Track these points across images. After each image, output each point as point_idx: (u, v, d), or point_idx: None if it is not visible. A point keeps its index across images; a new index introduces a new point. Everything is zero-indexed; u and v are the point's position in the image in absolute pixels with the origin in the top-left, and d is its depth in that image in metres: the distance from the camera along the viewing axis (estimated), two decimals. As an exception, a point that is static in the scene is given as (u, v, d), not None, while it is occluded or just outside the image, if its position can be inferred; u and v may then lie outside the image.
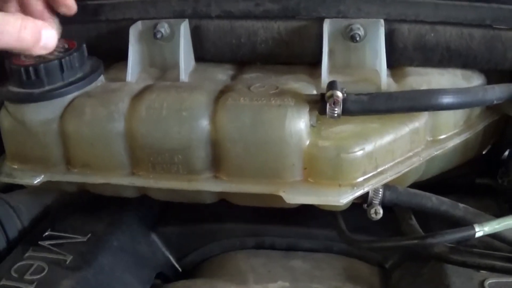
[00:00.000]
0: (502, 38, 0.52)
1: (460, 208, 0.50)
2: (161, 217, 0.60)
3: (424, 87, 0.50)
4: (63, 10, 0.47)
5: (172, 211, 0.59)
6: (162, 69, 0.54)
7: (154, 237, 0.58)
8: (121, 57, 0.53)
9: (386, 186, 0.48)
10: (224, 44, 0.52)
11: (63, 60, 0.47)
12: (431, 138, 0.52)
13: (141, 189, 0.50)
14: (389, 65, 0.52)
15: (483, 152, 0.63)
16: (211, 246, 0.57)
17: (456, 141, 0.53)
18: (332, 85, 0.45)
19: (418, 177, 0.53)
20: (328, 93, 0.44)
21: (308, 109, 0.45)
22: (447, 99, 0.47)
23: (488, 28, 0.52)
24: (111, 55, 0.55)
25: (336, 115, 0.45)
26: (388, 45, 0.51)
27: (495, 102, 0.52)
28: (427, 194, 0.50)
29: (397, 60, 0.53)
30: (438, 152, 0.51)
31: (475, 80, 0.54)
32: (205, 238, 0.58)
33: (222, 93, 0.48)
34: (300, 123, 0.45)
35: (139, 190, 0.50)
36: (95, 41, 0.55)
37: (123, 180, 0.48)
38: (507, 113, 0.58)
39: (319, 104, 0.46)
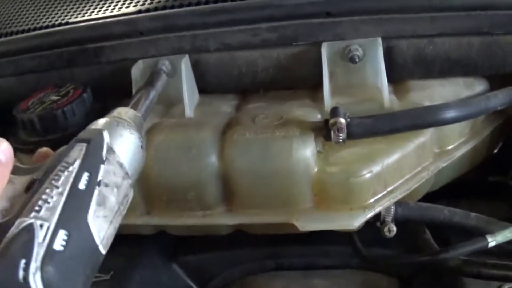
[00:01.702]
0: (501, 43, 0.52)
1: (472, 218, 0.51)
2: (180, 246, 0.62)
3: (426, 101, 0.51)
4: None
5: (191, 239, 0.61)
6: (167, 105, 0.55)
7: (175, 267, 0.60)
8: (126, 95, 0.55)
9: (397, 203, 0.50)
10: (225, 76, 0.54)
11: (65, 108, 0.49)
12: (438, 150, 0.53)
13: (158, 226, 0.52)
14: (391, 80, 0.54)
15: (494, 152, 0.64)
16: (231, 271, 0.59)
17: (464, 150, 0.54)
18: (335, 112, 0.46)
19: (429, 189, 0.54)
20: (331, 121, 0.45)
21: (313, 137, 0.47)
22: (450, 114, 0.48)
23: (486, 35, 0.52)
24: (115, 94, 0.57)
25: (341, 140, 0.46)
26: (388, 62, 0.52)
27: (499, 108, 0.53)
28: (439, 207, 0.52)
29: (398, 75, 0.54)
30: (446, 164, 0.52)
31: (478, 86, 0.55)
32: (225, 263, 0.59)
33: (228, 127, 0.49)
34: (306, 152, 0.46)
35: (155, 227, 0.52)
36: (99, 82, 0.57)
37: (139, 219, 0.50)
38: (513, 115, 0.59)
39: (323, 131, 0.47)
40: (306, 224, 0.46)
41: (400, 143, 0.49)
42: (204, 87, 0.55)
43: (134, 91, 0.54)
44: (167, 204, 0.49)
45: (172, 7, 0.56)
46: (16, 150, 0.50)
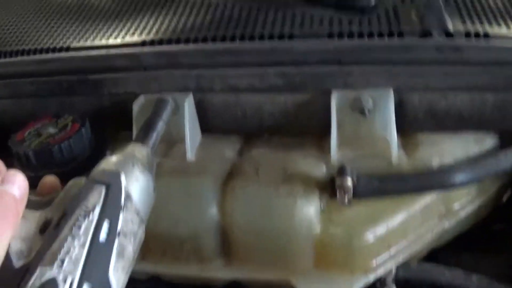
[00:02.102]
0: (516, 101, 0.51)
1: (473, 281, 0.50)
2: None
3: (436, 159, 0.50)
4: None
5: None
6: (168, 143, 0.53)
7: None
8: (127, 127, 0.53)
9: (401, 265, 0.49)
10: (229, 117, 0.52)
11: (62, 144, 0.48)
12: (444, 210, 0.52)
13: (153, 273, 0.50)
14: (400, 132, 0.52)
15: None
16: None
17: (470, 208, 0.53)
18: (342, 172, 0.45)
19: (432, 247, 0.53)
20: (338, 182, 0.44)
21: (318, 196, 0.46)
22: (459, 178, 0.46)
23: (501, 92, 0.51)
24: (116, 125, 0.55)
25: (346, 202, 0.45)
26: (398, 114, 0.50)
27: (509, 169, 0.52)
28: (440, 268, 0.50)
29: (408, 127, 0.52)
30: (451, 224, 0.51)
31: (488, 143, 0.54)
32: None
33: (230, 177, 0.48)
34: (310, 211, 0.45)
35: (151, 273, 0.51)
36: (98, 113, 0.55)
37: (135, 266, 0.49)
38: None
39: (329, 189, 0.46)
40: (305, 285, 0.45)
41: (405, 202, 0.48)
42: (207, 127, 0.53)
43: (135, 126, 0.52)
44: (162, 253, 0.48)
45: (178, 40, 0.54)
46: None
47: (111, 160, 0.36)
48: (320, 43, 0.49)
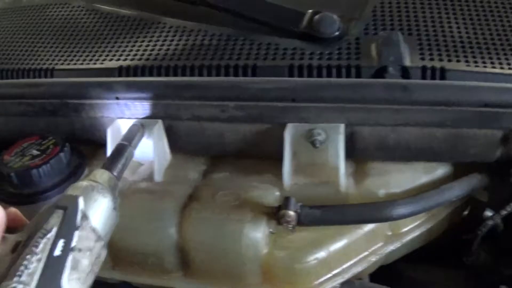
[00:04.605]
0: (464, 136, 0.55)
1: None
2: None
3: (382, 190, 0.55)
4: None
5: None
6: (142, 162, 0.61)
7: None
8: (104, 146, 0.61)
9: (343, 282, 0.55)
10: (195, 143, 0.59)
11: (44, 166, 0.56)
12: (391, 233, 0.58)
13: (123, 280, 0.59)
14: (353, 160, 0.58)
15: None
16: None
17: (418, 232, 0.58)
18: (286, 204, 0.51)
19: (379, 265, 0.59)
20: (281, 213, 0.51)
21: (265, 221, 0.52)
22: (398, 211, 0.52)
23: (449, 128, 0.55)
24: (95, 144, 0.63)
25: (290, 228, 0.51)
26: (350, 145, 0.56)
27: (454, 200, 0.57)
28: (382, 287, 0.57)
29: (359, 157, 0.58)
30: (398, 247, 0.57)
31: (439, 171, 0.59)
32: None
33: (190, 201, 0.55)
34: (257, 236, 0.52)
35: (121, 281, 0.59)
36: (80, 133, 0.62)
37: (105, 273, 0.57)
38: (475, 197, 0.62)
39: (276, 215, 0.52)
40: (253, 299, 0.53)
41: (349, 229, 0.54)
42: (176, 150, 0.60)
43: (109, 149, 0.59)
44: (130, 264, 0.56)
45: (151, 68, 0.61)
46: (3, 201, 0.57)
47: (75, 186, 0.44)
48: (276, 82, 0.55)
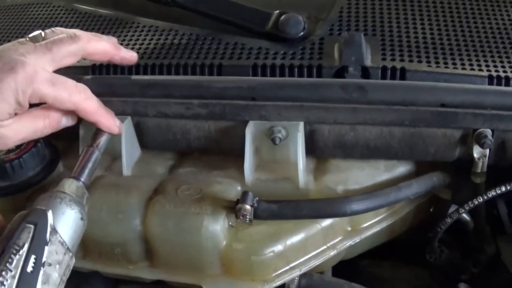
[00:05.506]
0: (423, 135, 0.57)
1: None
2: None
3: (340, 186, 0.58)
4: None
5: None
6: (112, 156, 0.64)
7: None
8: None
9: (303, 274, 0.58)
10: (162, 139, 0.62)
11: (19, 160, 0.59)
12: (350, 228, 0.60)
13: (92, 270, 0.62)
14: (314, 156, 0.61)
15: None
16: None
17: (378, 228, 0.61)
18: (243, 198, 0.54)
19: (340, 259, 0.62)
20: (238, 206, 0.53)
21: (224, 215, 0.55)
22: (352, 207, 0.54)
23: (407, 127, 0.57)
24: (69, 139, 0.66)
25: (247, 221, 0.54)
26: (310, 142, 0.58)
27: (412, 197, 0.59)
28: (340, 281, 0.59)
29: (320, 154, 0.60)
30: (358, 241, 0.59)
31: (400, 169, 0.61)
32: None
33: (154, 194, 0.58)
34: (216, 229, 0.54)
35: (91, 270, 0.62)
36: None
37: (77, 262, 0.60)
38: (438, 195, 0.64)
39: (234, 210, 0.55)
40: (212, 288, 0.56)
41: (307, 224, 0.56)
42: (145, 145, 0.64)
43: (80, 148, 0.62)
44: (98, 254, 0.59)
45: (123, 66, 0.64)
46: None
47: (43, 197, 0.48)
48: (236, 81, 0.57)
